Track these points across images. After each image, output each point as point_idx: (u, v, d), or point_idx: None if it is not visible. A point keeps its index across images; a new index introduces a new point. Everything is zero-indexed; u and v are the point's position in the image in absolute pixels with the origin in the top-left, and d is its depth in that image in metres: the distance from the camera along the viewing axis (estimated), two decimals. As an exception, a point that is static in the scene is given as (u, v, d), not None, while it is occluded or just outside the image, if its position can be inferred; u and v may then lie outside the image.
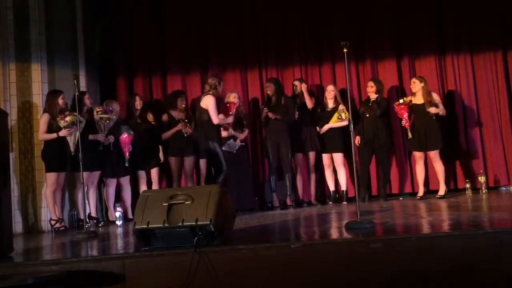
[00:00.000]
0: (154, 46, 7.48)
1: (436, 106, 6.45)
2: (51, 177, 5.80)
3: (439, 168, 6.46)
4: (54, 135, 5.77)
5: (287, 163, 6.56)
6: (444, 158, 6.86)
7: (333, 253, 3.30)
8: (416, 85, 6.50)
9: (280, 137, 6.54)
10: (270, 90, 6.69)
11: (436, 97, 6.59)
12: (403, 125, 6.55)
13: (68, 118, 5.58)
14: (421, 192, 6.56)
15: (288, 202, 6.61)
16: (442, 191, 6.44)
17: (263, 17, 7.56)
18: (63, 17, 6.56)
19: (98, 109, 6.09)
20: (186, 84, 7.48)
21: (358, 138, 6.70)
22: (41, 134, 5.83)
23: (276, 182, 6.69)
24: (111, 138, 6.14)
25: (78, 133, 5.64)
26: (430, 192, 6.89)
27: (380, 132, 6.65)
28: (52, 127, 5.80)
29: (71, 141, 5.75)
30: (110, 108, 6.19)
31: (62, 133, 5.73)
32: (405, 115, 6.43)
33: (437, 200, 6.24)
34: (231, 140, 6.58)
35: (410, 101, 6.45)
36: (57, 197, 5.90)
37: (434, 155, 6.44)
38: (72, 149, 5.75)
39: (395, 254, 3.24)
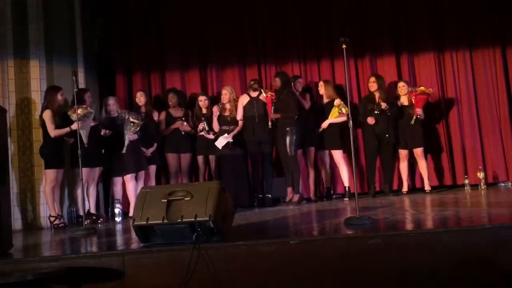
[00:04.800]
0: (152, 43, 7.46)
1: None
2: (50, 174, 5.80)
3: (424, 164, 6.84)
4: (67, 130, 5.77)
5: (289, 159, 6.49)
6: (443, 154, 6.91)
7: (332, 249, 3.30)
8: (405, 89, 6.80)
9: (283, 133, 6.51)
10: (276, 85, 6.66)
11: None
12: (417, 112, 6.68)
13: (79, 111, 5.53)
14: (405, 187, 6.89)
15: (295, 199, 6.44)
16: (428, 186, 6.81)
17: (262, 14, 7.54)
18: (62, 14, 6.55)
19: (132, 117, 6.18)
20: (185, 81, 7.47)
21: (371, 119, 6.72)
22: (52, 131, 5.78)
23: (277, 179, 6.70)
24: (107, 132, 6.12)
25: (89, 123, 5.70)
26: (433, 188, 6.93)
27: (390, 129, 6.74)
28: (55, 123, 5.79)
29: (83, 134, 5.70)
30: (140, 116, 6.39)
31: (74, 126, 5.64)
32: (422, 104, 6.72)
33: (436, 196, 6.26)
34: (225, 134, 6.51)
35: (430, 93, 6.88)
36: (56, 194, 5.90)
37: (421, 152, 6.79)
38: (85, 141, 5.69)
39: (394, 250, 3.25)
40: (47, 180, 5.81)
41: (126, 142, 6.15)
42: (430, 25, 7.40)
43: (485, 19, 7.27)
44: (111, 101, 6.40)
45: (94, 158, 6.01)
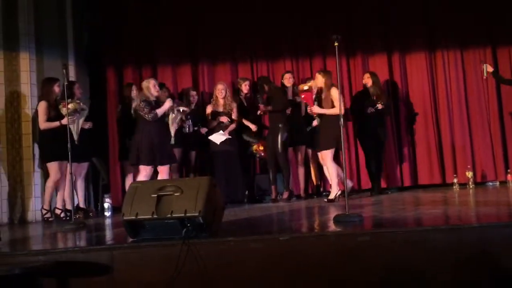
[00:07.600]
0: (144, 37, 7.40)
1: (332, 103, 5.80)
2: (53, 167, 5.68)
3: (329, 169, 5.90)
4: (56, 123, 5.67)
5: (279, 156, 6.47)
6: (433, 153, 6.93)
7: (321, 246, 3.32)
8: (318, 81, 5.97)
9: (275, 130, 6.50)
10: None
11: (334, 93, 5.76)
12: (309, 112, 6.10)
13: (70, 106, 5.41)
14: (332, 194, 5.90)
15: (285, 195, 6.44)
16: (332, 194, 5.86)
17: (255, 10, 7.51)
18: (52, 6, 6.47)
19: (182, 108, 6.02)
20: (176, 75, 7.44)
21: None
22: (42, 123, 5.69)
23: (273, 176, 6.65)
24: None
25: (81, 121, 5.61)
26: (433, 186, 7.01)
27: (382, 127, 6.67)
28: (50, 115, 5.71)
29: (74, 129, 5.60)
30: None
31: (65, 121, 5.51)
32: (313, 102, 5.94)
33: (425, 194, 6.29)
34: (220, 131, 6.52)
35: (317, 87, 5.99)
36: (67, 187, 5.68)
37: (325, 155, 5.91)
38: (75, 137, 5.58)
39: (382, 248, 3.27)
40: (51, 173, 5.67)
41: (173, 132, 5.86)
42: (421, 25, 7.43)
43: (476, 20, 7.33)
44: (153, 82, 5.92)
45: (82, 153, 5.92)
